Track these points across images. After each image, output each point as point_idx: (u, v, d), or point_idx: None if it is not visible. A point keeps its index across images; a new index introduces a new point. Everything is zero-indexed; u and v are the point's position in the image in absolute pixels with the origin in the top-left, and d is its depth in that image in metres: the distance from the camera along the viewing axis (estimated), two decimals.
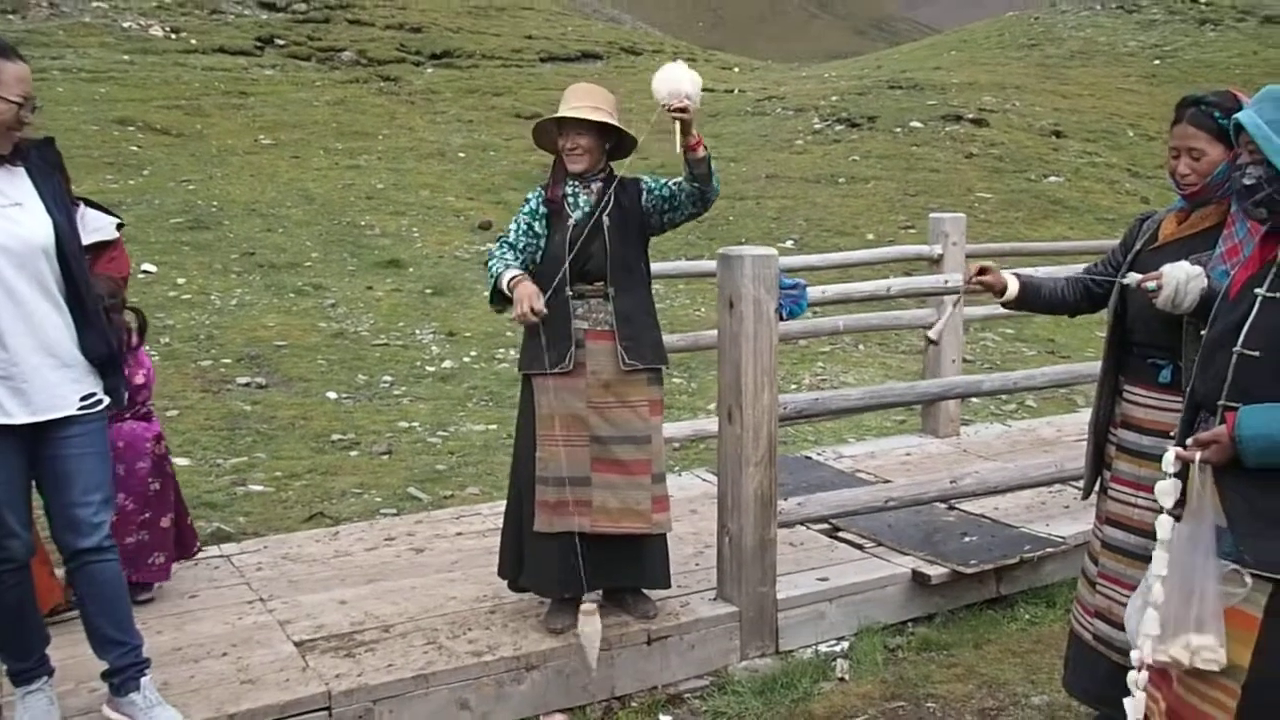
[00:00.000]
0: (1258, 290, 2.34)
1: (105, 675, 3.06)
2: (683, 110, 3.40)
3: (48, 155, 3.00)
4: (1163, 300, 2.66)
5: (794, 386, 8.11)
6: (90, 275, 3.61)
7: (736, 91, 20.86)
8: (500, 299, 3.63)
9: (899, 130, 16.93)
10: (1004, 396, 7.88)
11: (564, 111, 3.64)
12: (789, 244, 12.68)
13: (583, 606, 3.47)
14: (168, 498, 3.91)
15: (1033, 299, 3.18)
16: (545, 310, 3.45)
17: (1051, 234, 13.07)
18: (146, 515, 3.81)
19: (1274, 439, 2.22)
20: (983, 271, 3.13)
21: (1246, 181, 2.33)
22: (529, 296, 3.45)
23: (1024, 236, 12.78)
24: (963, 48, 24.56)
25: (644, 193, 3.71)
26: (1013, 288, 3.14)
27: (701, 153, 3.50)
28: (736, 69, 25.37)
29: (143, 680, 3.05)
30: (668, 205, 3.70)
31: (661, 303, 10.41)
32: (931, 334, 3.17)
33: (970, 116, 17.26)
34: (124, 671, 3.03)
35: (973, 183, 14.88)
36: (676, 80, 3.42)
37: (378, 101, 18.71)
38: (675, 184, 3.69)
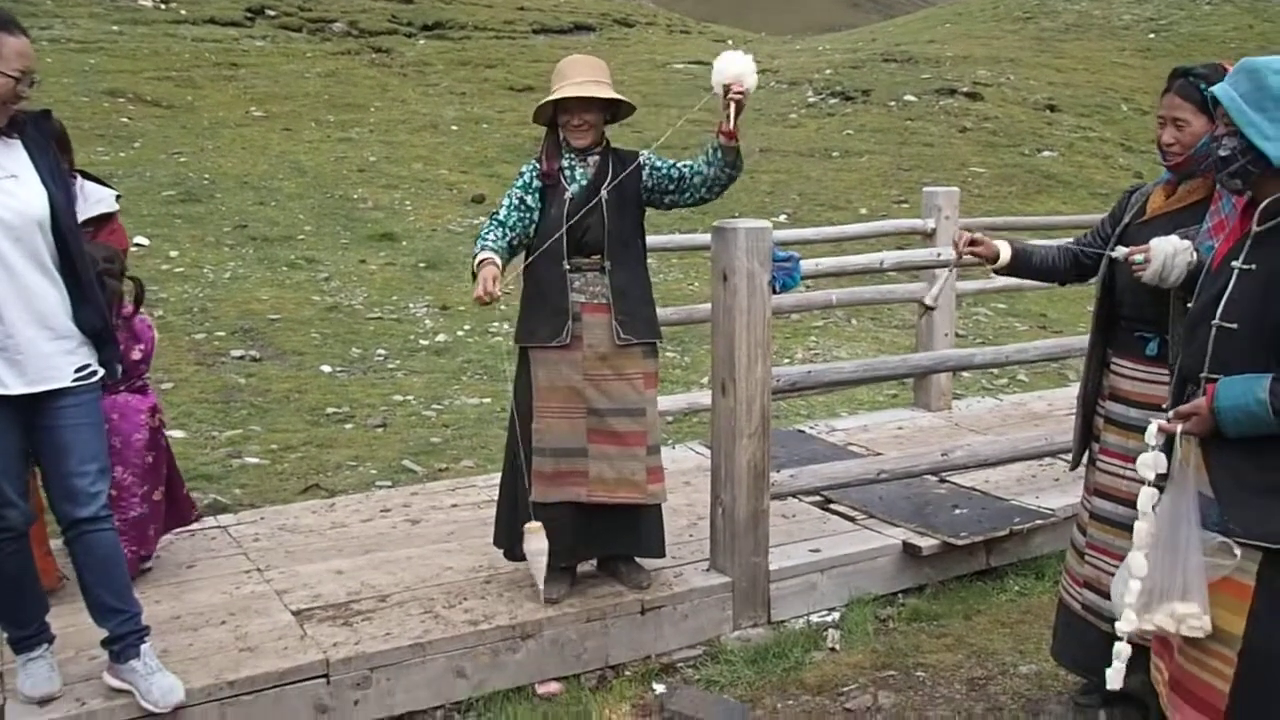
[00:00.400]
0: (1234, 263, 2.37)
1: (105, 643, 3.09)
2: (741, 95, 3.49)
3: (44, 128, 3.00)
4: (1150, 274, 2.69)
5: (787, 360, 8.14)
6: (84, 246, 3.63)
7: None
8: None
9: (893, 104, 16.91)
10: (995, 371, 7.94)
11: (572, 90, 3.62)
12: (782, 218, 12.69)
13: (528, 525, 3.53)
14: (160, 470, 3.93)
15: (1024, 266, 3.24)
16: (500, 294, 3.44)
17: (1045, 209, 13.10)
18: (145, 488, 3.83)
19: (1249, 409, 2.26)
20: (974, 243, 3.17)
21: (1222, 153, 2.37)
22: (487, 279, 3.44)
23: (1017, 211, 12.80)
24: (958, 20, 24.48)
25: (646, 169, 3.72)
26: (1005, 254, 3.20)
27: (737, 140, 3.60)
28: (730, 41, 25.23)
29: (142, 648, 3.08)
30: (675, 187, 3.73)
31: (655, 276, 10.29)
32: (928, 300, 3.21)
33: (964, 90, 17.25)
34: (124, 639, 3.06)
35: (966, 157, 14.88)
36: (743, 69, 3.51)
37: (369, 73, 18.60)
38: (688, 167, 3.71)
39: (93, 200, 3.82)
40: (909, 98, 17.02)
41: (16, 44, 2.82)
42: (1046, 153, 15.39)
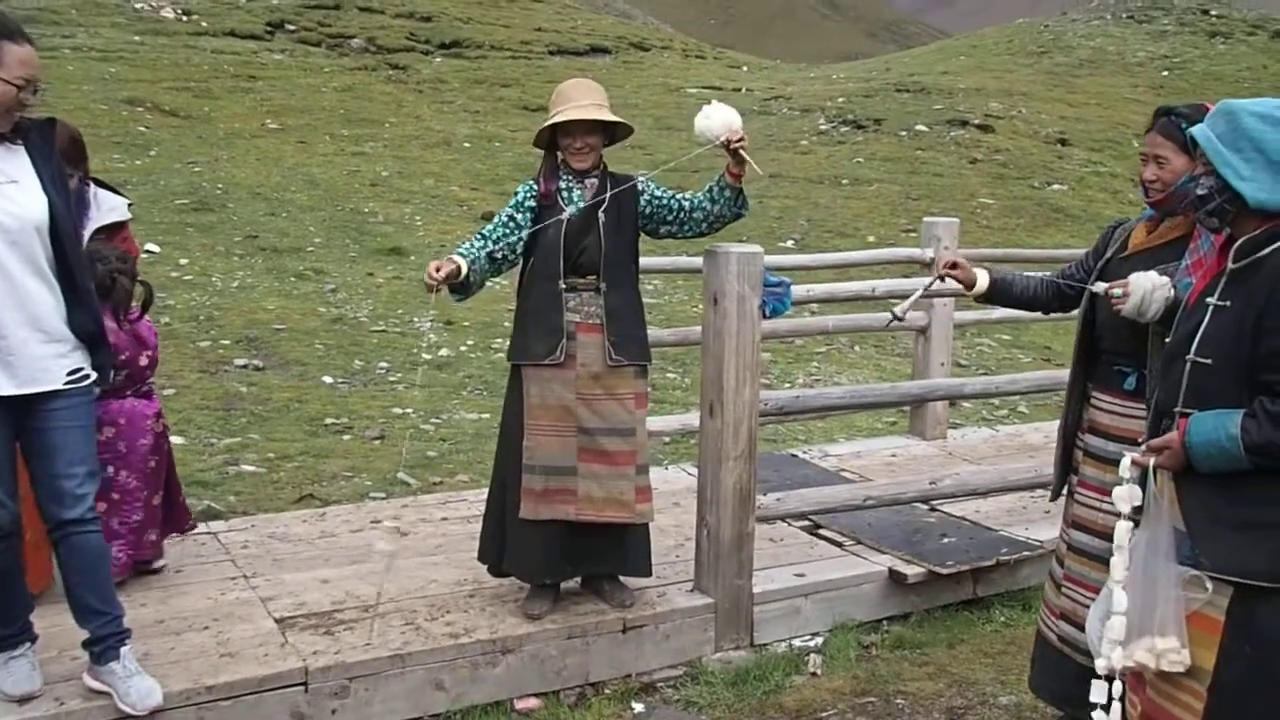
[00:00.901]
0: (1209, 299, 2.40)
1: (86, 644, 3.12)
2: (743, 142, 3.62)
3: (48, 135, 3.05)
4: (1128, 308, 2.72)
5: (787, 385, 8.16)
6: (98, 247, 3.71)
7: (744, 90, 20.91)
8: (456, 289, 3.67)
9: (904, 134, 16.98)
10: (996, 402, 7.94)
11: (573, 114, 3.66)
12: (789, 244, 12.74)
13: (384, 523, 3.59)
14: (160, 475, 3.96)
15: (1003, 295, 3.29)
16: (440, 277, 3.50)
17: (1053, 241, 13.12)
18: (146, 493, 3.88)
19: (1221, 445, 2.28)
20: (954, 265, 3.23)
21: (1199, 192, 2.40)
22: (438, 262, 3.54)
23: (1025, 243, 12.83)
24: (972, 53, 24.59)
25: (642, 195, 3.77)
26: (982, 282, 3.25)
27: (742, 181, 3.72)
28: (745, 68, 25.42)
29: (123, 650, 3.10)
30: (673, 218, 3.79)
31: (659, 298, 10.47)
32: (898, 310, 3.25)
33: (976, 122, 17.32)
34: (104, 641, 3.09)
35: (976, 188, 14.92)
36: (727, 117, 3.62)
37: (385, 89, 18.78)
38: (689, 200, 3.77)
39: (106, 208, 3.86)
40: (920, 128, 17.09)
41: (20, 52, 2.86)
42: (1056, 186, 15.43)
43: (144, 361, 3.94)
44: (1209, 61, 22.04)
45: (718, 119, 3.61)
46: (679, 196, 3.80)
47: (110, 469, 3.77)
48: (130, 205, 4.05)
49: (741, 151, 3.62)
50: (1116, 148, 17.29)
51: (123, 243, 3.94)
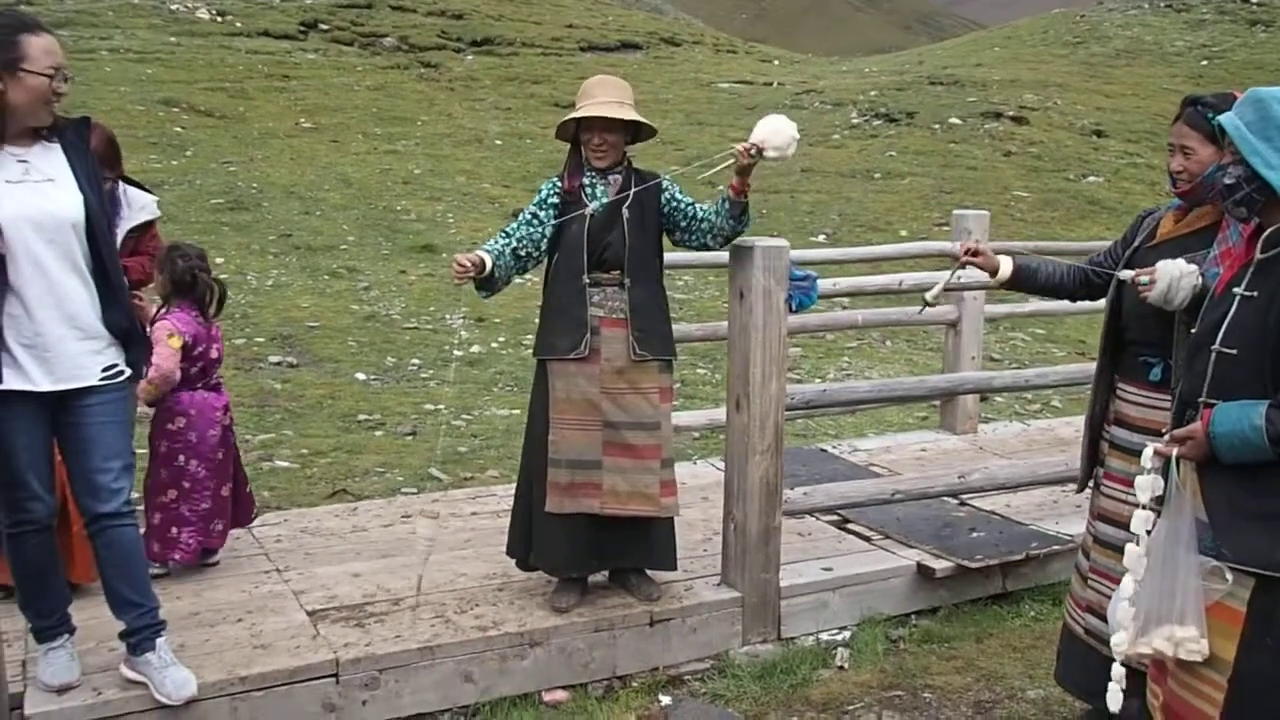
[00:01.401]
0: (1236, 289, 2.38)
1: (122, 635, 3.18)
2: (752, 155, 3.55)
3: (83, 133, 3.11)
4: (1155, 296, 2.70)
5: (818, 380, 8.14)
6: (177, 244, 3.83)
7: (775, 84, 20.84)
8: (481, 285, 3.71)
9: (937, 126, 16.85)
10: (1029, 396, 7.88)
11: (593, 110, 3.68)
12: (821, 238, 12.69)
13: (422, 509, 3.56)
14: (228, 468, 4.07)
15: (1027, 281, 3.28)
16: (465, 264, 3.56)
17: (1088, 234, 12.97)
18: (214, 483, 3.97)
19: (1245, 435, 2.27)
20: (975, 252, 3.23)
21: (1227, 181, 2.38)
22: (463, 254, 3.61)
23: (1059, 236, 12.70)
24: (1006, 44, 24.34)
25: (663, 193, 3.79)
26: (1005, 269, 3.24)
27: (747, 197, 3.69)
28: (776, 62, 25.31)
29: (158, 641, 3.17)
30: (686, 223, 3.80)
31: (690, 294, 10.47)
32: (928, 296, 3.26)
33: (1010, 114, 17.15)
34: (140, 632, 3.15)
35: (1010, 181, 14.78)
36: (788, 141, 3.55)
37: (418, 87, 18.89)
38: (705, 211, 3.78)
39: (137, 207, 3.94)
40: (954, 120, 16.96)
41: (41, 43, 2.90)
42: (1092, 178, 15.25)
43: (215, 354, 4.05)
44: (1249, 50, 21.67)
45: (777, 136, 3.54)
46: (695, 204, 3.81)
47: (181, 458, 3.91)
48: (158, 202, 4.12)
49: (748, 163, 3.56)
50: (1154, 139, 17.04)
51: (151, 240, 4.02)
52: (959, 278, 3.47)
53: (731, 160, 3.59)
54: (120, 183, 3.92)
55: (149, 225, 4.01)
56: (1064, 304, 6.61)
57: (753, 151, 3.55)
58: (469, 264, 3.57)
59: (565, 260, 3.74)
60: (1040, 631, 4.12)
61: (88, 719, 3.08)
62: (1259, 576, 2.30)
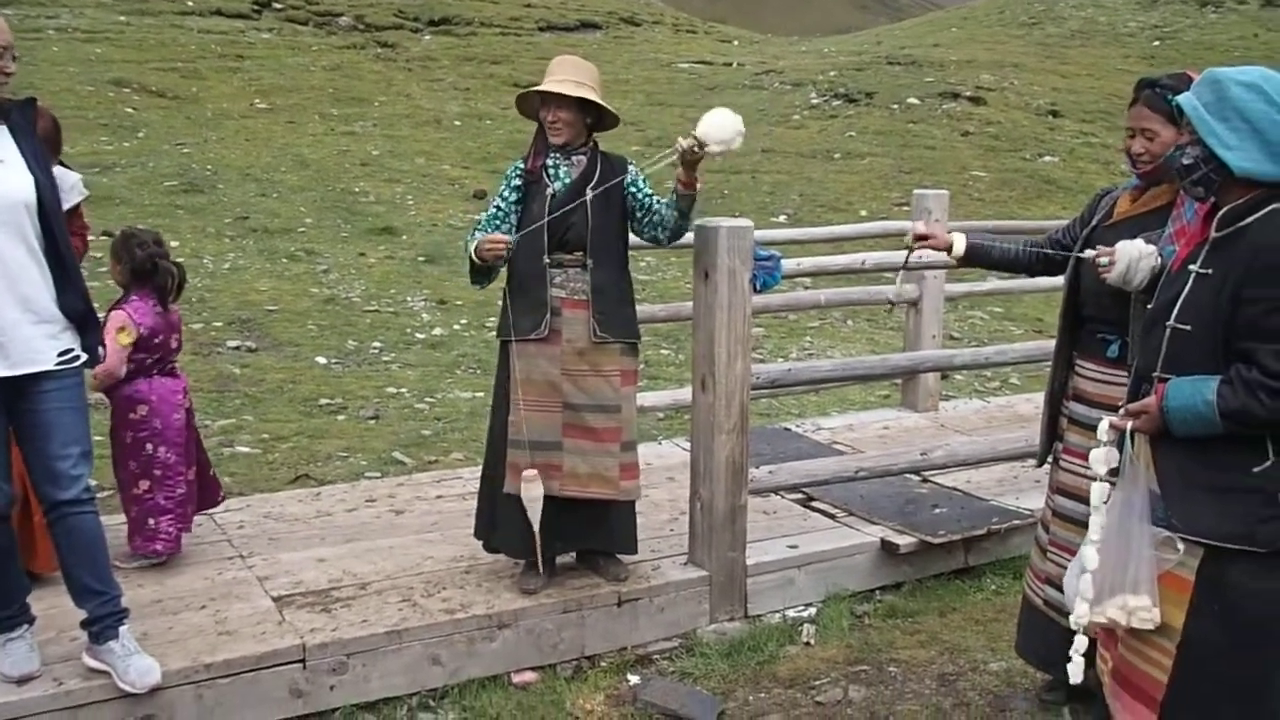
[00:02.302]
0: (1191, 267, 2.43)
1: (84, 624, 3.14)
2: (692, 153, 3.47)
3: (28, 114, 3.05)
4: (1114, 276, 2.75)
5: (780, 359, 8.18)
6: (132, 229, 3.73)
7: (735, 65, 20.83)
8: (477, 274, 3.76)
9: (896, 107, 16.94)
10: (988, 374, 7.97)
11: (546, 85, 3.68)
12: (782, 218, 12.74)
13: (525, 473, 3.60)
14: (192, 451, 4.02)
15: (982, 258, 3.38)
16: (500, 248, 3.58)
17: (1044, 213, 13.13)
18: (184, 468, 3.92)
19: (1197, 410, 2.32)
20: (923, 237, 3.31)
21: (1185, 161, 2.42)
22: (489, 239, 3.61)
23: (1016, 215, 12.84)
24: (963, 25, 24.50)
25: (628, 179, 3.76)
26: (958, 246, 3.33)
27: (696, 190, 3.64)
28: (736, 42, 25.29)
29: (121, 629, 3.13)
30: (643, 214, 3.77)
31: (652, 275, 10.47)
32: (891, 295, 3.30)
33: (968, 94, 17.28)
34: (102, 620, 3.11)
35: (968, 161, 14.91)
36: (732, 135, 3.46)
37: (375, 68, 18.68)
38: (660, 204, 3.75)
39: (66, 187, 3.82)
40: (912, 101, 17.05)
41: None
42: (1048, 158, 15.41)
43: (174, 344, 3.99)
44: (1200, 31, 21.97)
45: (720, 131, 3.45)
46: (654, 198, 3.78)
47: (149, 446, 3.85)
48: (84, 181, 4.00)
49: (694, 161, 3.50)
50: (1108, 119, 17.26)
51: (78, 220, 3.94)
52: (919, 258, 3.49)
53: (675, 155, 3.51)
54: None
55: (76, 206, 3.91)
56: (1021, 282, 6.76)
57: (695, 148, 3.46)
58: (502, 241, 3.59)
59: (526, 241, 3.71)
60: (1002, 605, 4.19)
61: (49, 709, 3.04)
62: (1208, 547, 2.36)
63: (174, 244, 10.03)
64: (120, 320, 3.78)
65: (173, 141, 13.53)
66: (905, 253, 3.64)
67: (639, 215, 3.78)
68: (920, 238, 3.30)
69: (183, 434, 3.94)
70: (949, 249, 3.32)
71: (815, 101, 17.56)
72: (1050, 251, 3.20)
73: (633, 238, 3.88)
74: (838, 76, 18.64)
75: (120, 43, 17.37)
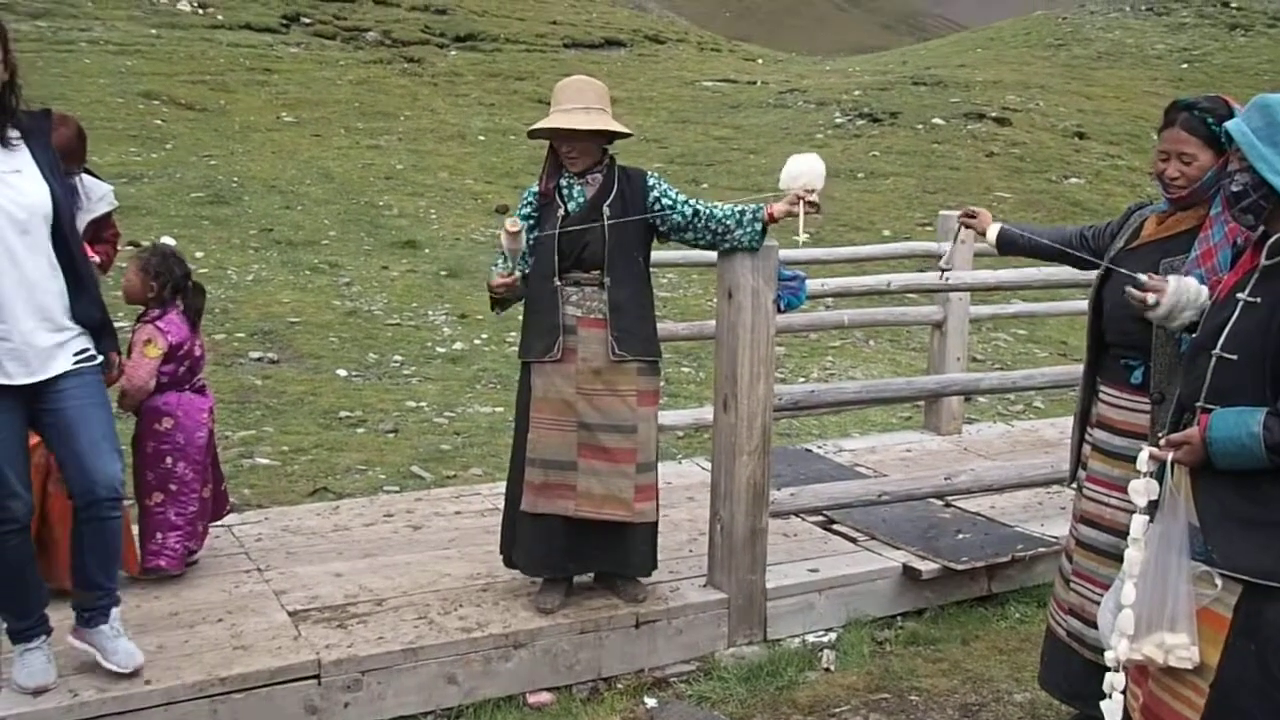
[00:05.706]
0: (1240, 295, 2.37)
1: (78, 607, 3.16)
2: (814, 202, 3.67)
3: (44, 125, 3.06)
4: (1159, 314, 2.64)
5: (801, 379, 8.13)
6: (162, 249, 3.79)
7: (759, 83, 20.84)
8: (495, 304, 3.83)
9: (920, 127, 16.90)
10: (1012, 397, 7.90)
11: (556, 119, 3.62)
12: (804, 237, 12.68)
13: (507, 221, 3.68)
14: (209, 470, 4.03)
15: (1008, 247, 3.56)
16: (508, 281, 3.69)
17: None
18: (199, 485, 3.92)
19: (1241, 442, 2.25)
20: (971, 214, 3.58)
21: (1234, 188, 2.37)
22: (498, 281, 3.72)
23: None
24: (989, 45, 24.45)
25: (650, 192, 3.72)
26: (991, 233, 3.53)
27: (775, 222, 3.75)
28: (760, 60, 25.33)
29: (113, 612, 3.15)
30: (685, 223, 3.74)
31: (674, 292, 10.44)
32: (942, 263, 3.68)
33: (993, 115, 17.22)
34: (99, 607, 3.14)
35: (992, 182, 14.84)
36: (807, 171, 3.66)
37: (400, 82, 18.79)
38: (706, 210, 3.72)
39: (95, 197, 3.82)
40: (937, 121, 17.01)
41: None
42: (1073, 179, 15.33)
43: (198, 352, 4.03)
44: (1229, 54, 21.84)
45: (799, 170, 3.66)
46: (691, 202, 3.74)
47: (169, 460, 3.85)
48: (114, 191, 4.01)
49: (805, 209, 3.66)
50: (1134, 141, 17.17)
51: (110, 229, 3.96)
52: (962, 241, 3.84)
53: (805, 210, 3.68)
54: (81, 174, 3.84)
55: (108, 214, 3.92)
56: (1046, 305, 6.69)
57: (814, 199, 3.65)
58: (506, 284, 3.70)
59: (538, 263, 3.70)
60: (1026, 634, 4.12)
61: None
62: (1246, 583, 2.30)
63: (198, 255, 10.10)
64: (148, 333, 3.79)
65: (200, 153, 13.64)
66: (946, 278, 4.07)
67: (679, 221, 3.72)
68: (968, 215, 3.57)
69: (204, 452, 3.93)
70: (984, 231, 3.55)
71: (839, 121, 17.54)
72: (1086, 257, 3.17)
73: (655, 253, 3.86)
74: (862, 96, 18.61)
75: (150, 55, 17.55)
